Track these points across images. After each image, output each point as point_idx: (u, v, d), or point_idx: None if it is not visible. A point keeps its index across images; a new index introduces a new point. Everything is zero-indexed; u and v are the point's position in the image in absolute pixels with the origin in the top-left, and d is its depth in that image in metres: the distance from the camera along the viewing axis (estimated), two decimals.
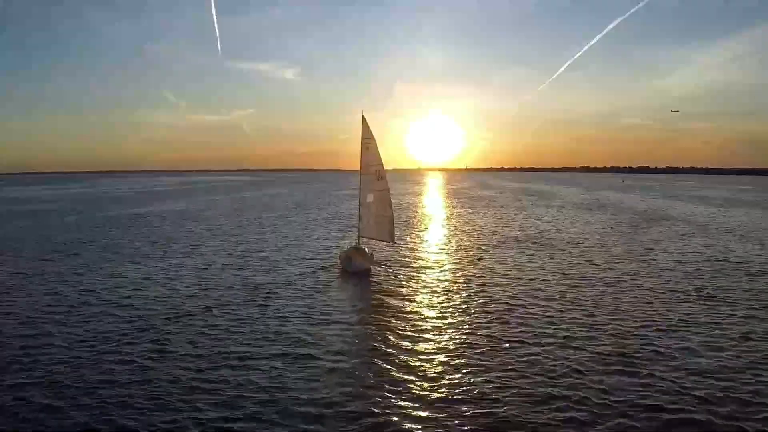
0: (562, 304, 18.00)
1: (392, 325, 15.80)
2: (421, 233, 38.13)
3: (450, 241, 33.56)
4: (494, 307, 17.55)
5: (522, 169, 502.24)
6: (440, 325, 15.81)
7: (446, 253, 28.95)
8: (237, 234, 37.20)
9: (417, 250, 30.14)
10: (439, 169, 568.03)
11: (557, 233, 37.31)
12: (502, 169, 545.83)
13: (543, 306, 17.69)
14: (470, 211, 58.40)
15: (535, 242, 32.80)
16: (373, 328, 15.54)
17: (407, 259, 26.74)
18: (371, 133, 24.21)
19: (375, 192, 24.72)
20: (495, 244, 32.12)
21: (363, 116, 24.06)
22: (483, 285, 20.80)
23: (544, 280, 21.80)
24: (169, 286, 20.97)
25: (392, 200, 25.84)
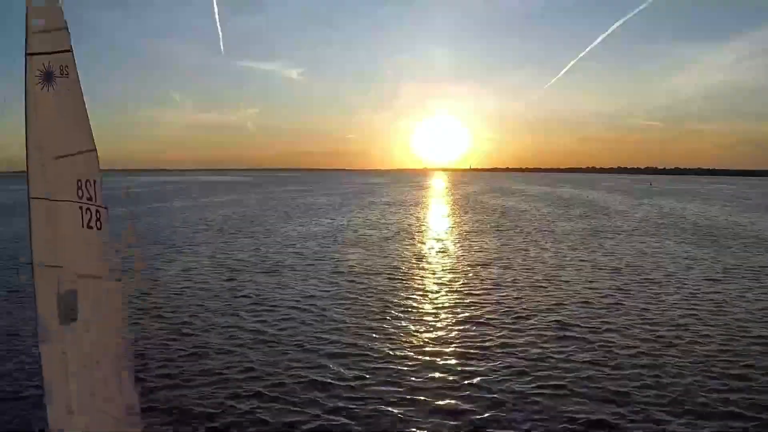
0: None
1: None
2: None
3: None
4: None
5: (528, 170, 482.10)
6: None
7: None
8: None
9: None
10: (444, 169, 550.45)
11: None
12: (507, 170, 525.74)
13: None
14: (497, 246, 29.21)
15: None
16: None
17: None
18: (65, 21, 5.46)
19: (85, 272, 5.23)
20: None
21: None
22: None
23: None
24: None
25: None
